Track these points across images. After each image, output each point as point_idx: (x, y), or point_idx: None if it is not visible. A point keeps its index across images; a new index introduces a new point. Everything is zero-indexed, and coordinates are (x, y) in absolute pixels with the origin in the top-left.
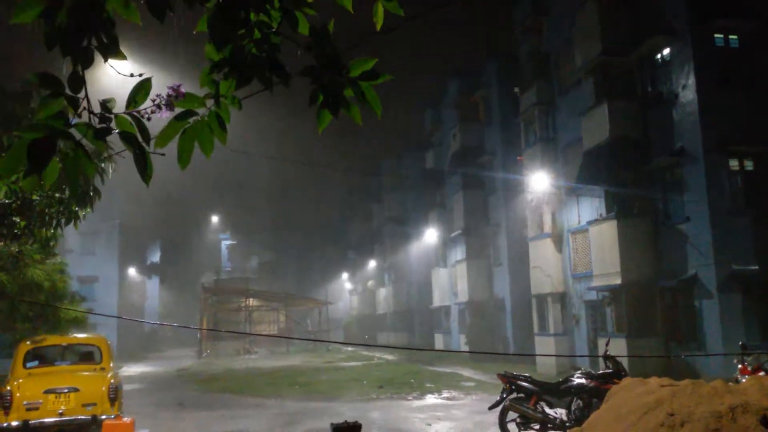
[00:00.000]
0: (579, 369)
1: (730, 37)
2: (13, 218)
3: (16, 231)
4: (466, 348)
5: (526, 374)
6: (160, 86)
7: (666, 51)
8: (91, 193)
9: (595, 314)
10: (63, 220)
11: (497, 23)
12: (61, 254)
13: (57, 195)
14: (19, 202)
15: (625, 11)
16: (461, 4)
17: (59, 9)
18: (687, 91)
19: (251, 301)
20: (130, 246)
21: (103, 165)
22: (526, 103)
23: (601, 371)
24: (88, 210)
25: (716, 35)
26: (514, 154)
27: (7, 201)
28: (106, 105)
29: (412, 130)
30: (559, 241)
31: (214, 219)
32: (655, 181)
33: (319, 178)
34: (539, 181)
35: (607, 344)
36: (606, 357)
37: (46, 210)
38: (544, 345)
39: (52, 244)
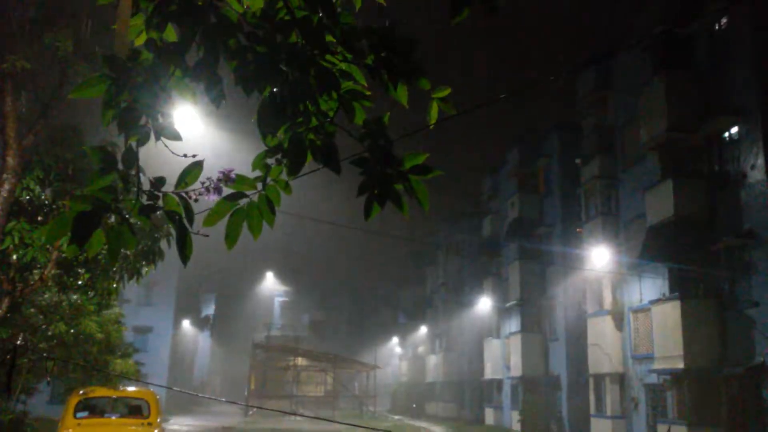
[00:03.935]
0: None
1: None
2: (79, 270)
3: (80, 282)
4: (518, 425)
5: None
6: (216, 156)
7: (734, 130)
8: (156, 253)
9: (655, 398)
10: (126, 276)
11: (559, 95)
12: (119, 304)
13: (122, 251)
14: (85, 255)
15: (693, 88)
16: (517, 94)
17: (124, 89)
18: (756, 171)
19: (300, 361)
20: (186, 298)
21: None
22: (587, 176)
23: None
24: (152, 267)
25: None
26: (574, 227)
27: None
28: (156, 183)
29: (470, 195)
30: (619, 319)
31: (269, 275)
32: (721, 262)
33: (374, 240)
34: (599, 256)
35: None
36: None
37: (109, 264)
38: (601, 427)
39: (112, 296)
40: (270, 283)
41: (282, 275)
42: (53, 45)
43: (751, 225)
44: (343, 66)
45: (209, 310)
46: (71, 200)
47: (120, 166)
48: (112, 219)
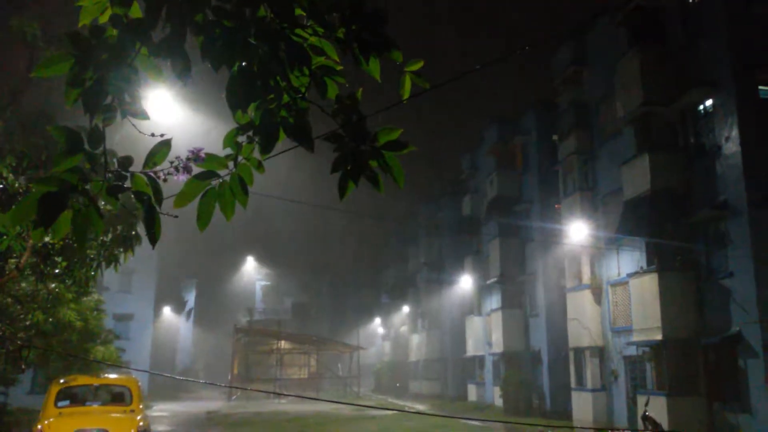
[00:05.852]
0: (618, 429)
1: None
2: (55, 258)
3: (57, 270)
4: (500, 400)
5: None
6: (188, 135)
7: (709, 102)
8: (133, 238)
9: (634, 370)
10: (104, 263)
11: (537, 71)
12: (98, 292)
13: (100, 238)
14: (62, 243)
15: (667, 62)
16: (495, 64)
17: (88, 67)
18: (730, 143)
19: (283, 344)
20: (167, 284)
21: None
22: (564, 152)
23: None
24: (130, 253)
25: (761, 87)
26: (552, 203)
27: (50, 241)
28: (123, 163)
29: (449, 174)
30: (598, 293)
31: (250, 259)
32: (697, 234)
33: (355, 221)
34: (578, 231)
35: (646, 404)
36: (645, 418)
37: (87, 251)
38: (582, 400)
39: (90, 284)
40: (251, 268)
41: (263, 259)
42: (20, 29)
43: (726, 196)
44: (314, 40)
45: (190, 296)
46: (36, 182)
47: (86, 147)
48: (81, 201)
